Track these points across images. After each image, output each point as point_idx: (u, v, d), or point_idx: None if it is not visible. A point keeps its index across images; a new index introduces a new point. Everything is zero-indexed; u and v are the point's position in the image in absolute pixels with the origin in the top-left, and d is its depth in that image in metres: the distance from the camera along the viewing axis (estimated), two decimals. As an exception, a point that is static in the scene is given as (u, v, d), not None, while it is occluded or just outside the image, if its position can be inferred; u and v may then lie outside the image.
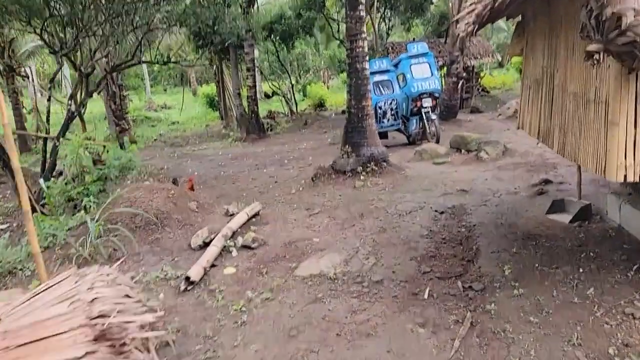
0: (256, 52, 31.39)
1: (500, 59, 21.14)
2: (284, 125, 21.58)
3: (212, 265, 5.57)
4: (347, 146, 9.70)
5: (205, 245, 6.05)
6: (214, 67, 26.71)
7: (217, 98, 27.78)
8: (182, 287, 5.01)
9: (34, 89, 23.16)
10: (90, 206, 6.70)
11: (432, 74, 12.65)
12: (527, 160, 9.32)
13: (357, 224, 6.67)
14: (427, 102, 12.49)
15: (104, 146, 12.62)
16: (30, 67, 23.60)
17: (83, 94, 9.57)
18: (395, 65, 13.24)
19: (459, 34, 15.81)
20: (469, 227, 6.14)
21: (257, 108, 18.47)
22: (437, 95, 12.71)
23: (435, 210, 7.00)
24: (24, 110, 22.27)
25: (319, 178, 9.65)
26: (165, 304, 4.67)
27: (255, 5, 19.88)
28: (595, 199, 6.02)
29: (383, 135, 13.61)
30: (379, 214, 7.04)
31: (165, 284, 5.20)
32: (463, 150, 10.52)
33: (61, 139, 8.41)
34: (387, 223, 6.60)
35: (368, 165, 9.39)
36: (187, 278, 5.08)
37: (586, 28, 3.21)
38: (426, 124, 12.58)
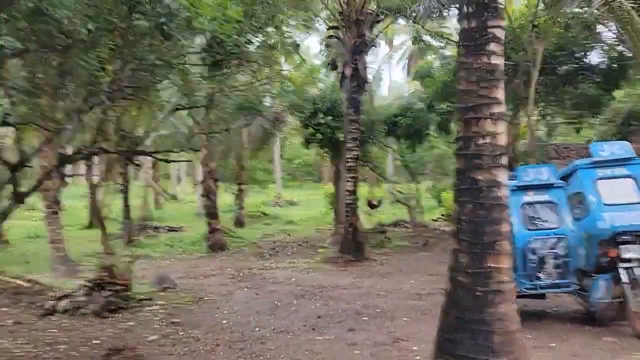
0: (389, 158, 27.04)
1: None
2: (398, 242, 16.00)
3: None
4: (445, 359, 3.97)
5: None
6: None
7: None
8: None
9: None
10: None
11: (642, 199, 6.38)
12: None
13: None
14: (633, 252, 6.12)
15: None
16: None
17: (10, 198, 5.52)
18: (565, 178, 7.23)
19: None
20: None
21: (357, 219, 13.40)
22: (653, 238, 6.25)
23: None
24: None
25: None
26: None
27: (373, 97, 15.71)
28: None
29: (539, 295, 7.33)
30: None
31: None
32: None
33: None
34: None
35: None
36: None
37: None
38: (629, 294, 6.10)
